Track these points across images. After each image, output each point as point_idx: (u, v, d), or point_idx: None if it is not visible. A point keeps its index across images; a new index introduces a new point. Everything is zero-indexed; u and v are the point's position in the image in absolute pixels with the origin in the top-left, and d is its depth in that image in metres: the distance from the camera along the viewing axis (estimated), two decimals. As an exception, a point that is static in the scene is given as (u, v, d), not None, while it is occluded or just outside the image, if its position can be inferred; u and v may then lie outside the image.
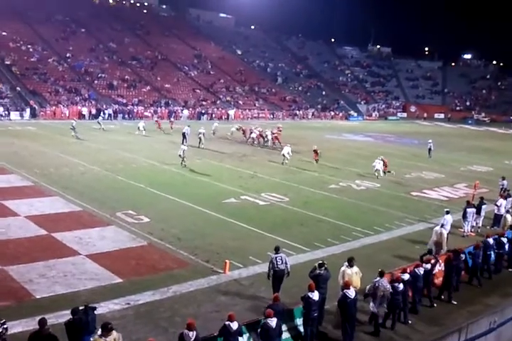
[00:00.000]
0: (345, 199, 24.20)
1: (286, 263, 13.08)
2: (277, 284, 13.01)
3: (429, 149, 39.05)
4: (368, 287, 12.28)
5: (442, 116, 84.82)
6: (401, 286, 12.21)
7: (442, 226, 17.11)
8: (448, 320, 12.02)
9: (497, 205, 20.53)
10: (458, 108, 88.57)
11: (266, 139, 40.72)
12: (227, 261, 14.96)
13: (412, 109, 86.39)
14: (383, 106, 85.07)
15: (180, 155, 29.37)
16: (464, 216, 19.45)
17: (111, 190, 23.52)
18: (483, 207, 20.21)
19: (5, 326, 9.21)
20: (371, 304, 12.11)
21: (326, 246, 17.44)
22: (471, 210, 19.45)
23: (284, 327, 11.13)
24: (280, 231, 18.51)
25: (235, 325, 9.88)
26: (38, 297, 12.63)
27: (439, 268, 14.38)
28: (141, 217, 19.44)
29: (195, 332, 9.43)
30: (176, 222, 19.23)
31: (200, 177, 26.60)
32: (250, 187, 25.45)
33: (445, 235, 16.54)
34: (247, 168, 29.99)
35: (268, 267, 13.17)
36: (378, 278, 12.16)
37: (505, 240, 16.47)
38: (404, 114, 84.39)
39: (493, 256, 16.24)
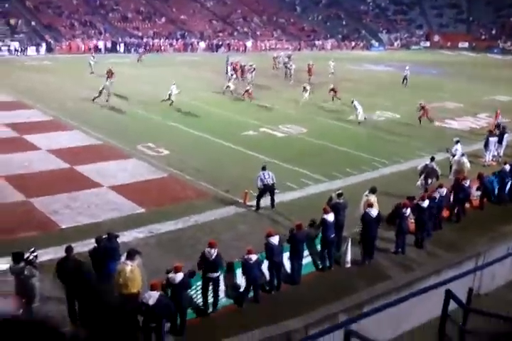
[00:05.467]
0: (364, 130, 23.98)
1: (272, 179, 14.54)
2: (269, 196, 14.72)
3: (405, 77, 37.74)
4: (419, 167, 16.17)
5: (466, 45, 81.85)
6: (408, 212, 12.51)
7: (463, 155, 16.97)
8: (466, 246, 12.15)
9: None
10: (483, 37, 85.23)
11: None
12: (246, 191, 15.15)
13: (436, 38, 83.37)
14: (405, 35, 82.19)
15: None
16: (486, 145, 19.23)
17: (130, 123, 23.59)
18: (506, 136, 19.90)
19: (35, 254, 9.54)
20: (419, 181, 15.76)
21: (345, 177, 17.50)
22: (493, 139, 19.20)
23: (305, 253, 11.50)
24: (299, 162, 18.54)
25: (254, 257, 10.26)
26: (63, 227, 13.02)
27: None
28: (160, 149, 19.58)
29: (216, 250, 9.81)
30: (195, 154, 19.36)
31: (220, 110, 26.45)
32: (269, 119, 25.25)
33: (467, 164, 16.49)
34: (265, 101, 29.60)
35: (256, 182, 14.44)
36: (429, 162, 15.91)
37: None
38: (428, 43, 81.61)
39: (509, 184, 16.20)
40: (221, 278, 10.21)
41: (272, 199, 14.82)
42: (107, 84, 27.51)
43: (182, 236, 12.82)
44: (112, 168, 17.53)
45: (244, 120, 24.90)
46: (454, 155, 17.18)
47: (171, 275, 9.24)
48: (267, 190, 14.65)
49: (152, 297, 8.55)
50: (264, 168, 14.81)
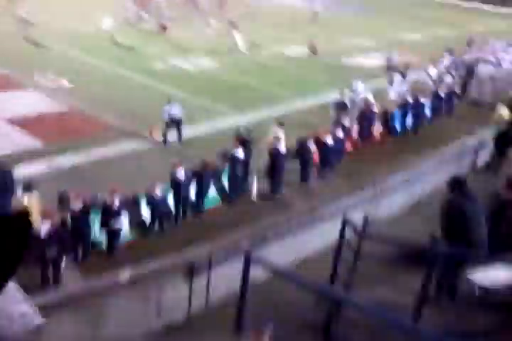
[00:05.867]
0: (277, 65, 23.91)
1: (179, 112, 14.37)
2: (177, 130, 14.53)
3: (314, 12, 37.23)
4: (333, 101, 16.67)
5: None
6: (312, 145, 12.87)
7: (367, 93, 17.40)
8: (365, 176, 12.58)
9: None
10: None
11: None
12: (153, 125, 14.79)
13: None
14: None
15: None
16: (390, 82, 19.73)
17: (26, 51, 22.06)
18: (408, 73, 20.44)
19: None
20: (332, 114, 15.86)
21: (255, 111, 17.46)
22: (396, 76, 19.72)
23: (212, 187, 11.53)
24: (209, 96, 18.32)
25: (158, 191, 10.26)
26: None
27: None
28: (62, 81, 18.57)
29: (118, 196, 9.56)
30: (101, 86, 18.58)
31: (129, 41, 25.17)
32: (180, 50, 24.49)
33: (372, 101, 16.95)
34: (176, 32, 28.34)
35: (162, 115, 14.24)
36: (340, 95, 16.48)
37: (424, 101, 17.14)
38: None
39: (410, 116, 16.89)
40: (125, 223, 10.01)
41: (179, 134, 14.64)
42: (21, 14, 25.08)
43: (85, 170, 12.42)
44: (9, 99, 16.48)
45: (155, 51, 23.98)
46: (356, 94, 17.48)
47: (71, 205, 9.05)
48: (174, 123, 14.46)
49: (43, 227, 8.25)
50: (169, 101, 14.57)
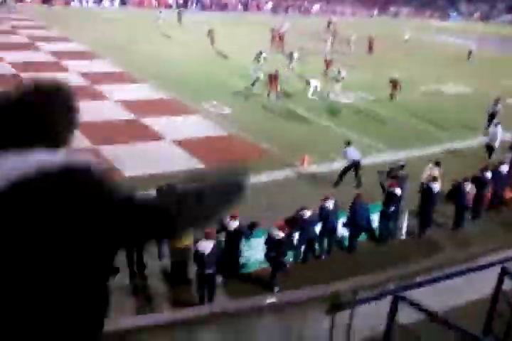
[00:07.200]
0: (434, 103, 23.33)
1: (359, 155, 14.01)
2: (354, 172, 14.01)
3: (470, 51, 35.88)
4: None
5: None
6: (468, 187, 12.15)
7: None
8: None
9: None
10: None
11: None
12: (306, 155, 15.12)
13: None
14: (486, 6, 77.96)
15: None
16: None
17: (197, 80, 23.76)
18: None
19: None
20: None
21: (407, 148, 17.12)
22: None
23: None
24: (361, 130, 18.31)
25: (308, 213, 10.37)
26: (127, 175, 13.40)
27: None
28: (224, 107, 19.75)
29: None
30: (257, 114, 19.52)
31: (289, 73, 26.19)
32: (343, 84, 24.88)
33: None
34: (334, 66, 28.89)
35: (345, 158, 14.09)
36: None
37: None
38: (510, 16, 77.22)
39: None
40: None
41: (357, 175, 14.06)
42: None
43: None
44: (177, 122, 17.87)
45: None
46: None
47: (227, 221, 9.49)
48: (355, 166, 14.03)
49: (207, 246, 8.82)
50: (348, 144, 14.14)
